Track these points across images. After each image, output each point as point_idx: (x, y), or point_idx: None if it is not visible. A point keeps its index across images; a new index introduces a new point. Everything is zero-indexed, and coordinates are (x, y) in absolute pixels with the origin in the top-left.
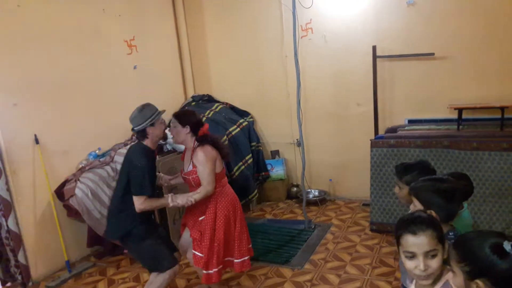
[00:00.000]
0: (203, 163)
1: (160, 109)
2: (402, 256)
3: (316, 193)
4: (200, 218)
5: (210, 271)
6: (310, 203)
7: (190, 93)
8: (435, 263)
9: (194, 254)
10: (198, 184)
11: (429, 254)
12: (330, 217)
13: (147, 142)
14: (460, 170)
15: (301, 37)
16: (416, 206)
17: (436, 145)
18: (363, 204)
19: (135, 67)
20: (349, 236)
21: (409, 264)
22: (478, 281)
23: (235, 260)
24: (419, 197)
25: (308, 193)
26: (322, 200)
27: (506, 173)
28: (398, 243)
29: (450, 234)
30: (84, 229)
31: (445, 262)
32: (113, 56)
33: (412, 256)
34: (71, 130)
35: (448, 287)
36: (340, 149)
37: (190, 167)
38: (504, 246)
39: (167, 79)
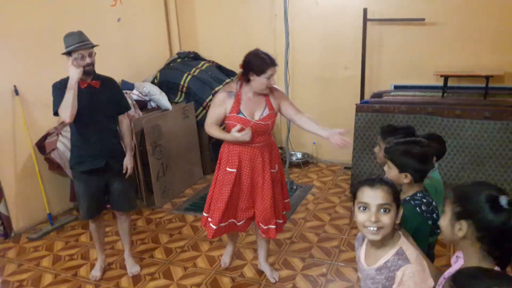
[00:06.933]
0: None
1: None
2: (356, 210)
3: (299, 156)
4: (273, 170)
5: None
6: (293, 165)
7: (176, 49)
8: (386, 219)
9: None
10: (271, 131)
11: (382, 208)
12: (312, 179)
13: None
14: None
15: None
16: (390, 168)
17: (420, 111)
18: (345, 167)
19: (119, 20)
20: (329, 197)
21: (361, 216)
22: (463, 222)
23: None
24: (394, 160)
25: (291, 155)
26: (305, 163)
27: (486, 141)
28: (354, 198)
29: (418, 195)
30: (66, 183)
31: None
32: (96, 6)
33: (365, 207)
34: (52, 83)
35: (401, 254)
36: (325, 113)
37: (267, 111)
38: (500, 200)
39: (152, 34)
